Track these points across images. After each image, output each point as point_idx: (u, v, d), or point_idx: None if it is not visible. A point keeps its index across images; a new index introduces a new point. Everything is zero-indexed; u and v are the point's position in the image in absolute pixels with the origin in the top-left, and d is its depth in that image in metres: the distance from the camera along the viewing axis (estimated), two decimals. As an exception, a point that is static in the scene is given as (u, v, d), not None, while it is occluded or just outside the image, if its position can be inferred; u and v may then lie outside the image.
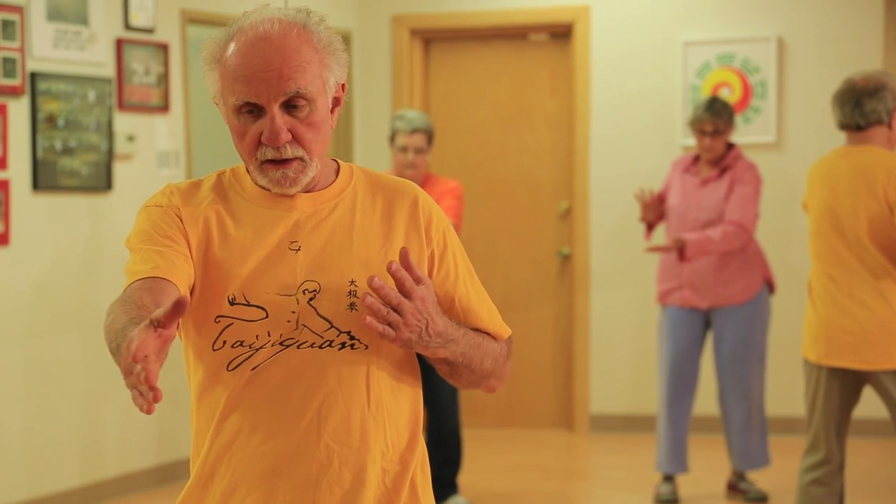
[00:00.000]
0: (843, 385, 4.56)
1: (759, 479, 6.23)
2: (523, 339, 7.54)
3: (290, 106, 2.11)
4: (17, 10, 5.66)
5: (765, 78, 7.38)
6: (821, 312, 4.56)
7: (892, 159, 4.49)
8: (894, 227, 4.41)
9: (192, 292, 2.14)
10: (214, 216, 2.17)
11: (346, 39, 7.62)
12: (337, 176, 2.24)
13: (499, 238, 7.84)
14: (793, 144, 7.37)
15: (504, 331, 2.30)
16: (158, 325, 1.79)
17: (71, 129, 5.94)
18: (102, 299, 6.04)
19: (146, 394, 1.77)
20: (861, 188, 4.46)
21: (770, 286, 6.03)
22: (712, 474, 6.39)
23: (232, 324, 2.12)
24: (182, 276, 2.08)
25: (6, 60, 5.62)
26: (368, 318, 2.03)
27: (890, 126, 4.54)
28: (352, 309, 2.12)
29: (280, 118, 2.10)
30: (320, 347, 2.12)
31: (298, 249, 2.15)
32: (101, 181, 6.12)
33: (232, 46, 2.12)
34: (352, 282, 2.13)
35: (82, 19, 5.97)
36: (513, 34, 7.82)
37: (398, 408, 2.19)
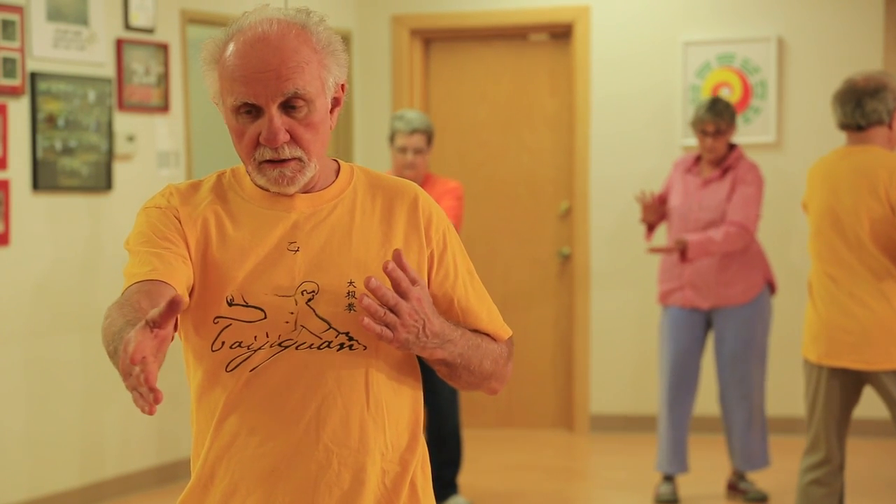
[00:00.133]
0: (844, 385, 4.56)
1: (759, 479, 6.23)
2: (523, 339, 7.54)
3: (288, 106, 2.11)
4: (17, 10, 5.66)
5: (765, 78, 7.38)
6: (821, 312, 4.56)
7: (894, 160, 4.49)
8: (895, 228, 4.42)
9: (191, 294, 2.14)
10: (213, 217, 2.17)
11: (346, 39, 7.62)
12: (337, 176, 2.23)
13: (499, 238, 7.84)
14: (793, 144, 7.37)
15: (504, 332, 2.29)
16: (154, 325, 1.79)
17: (71, 129, 5.94)
18: (102, 299, 6.04)
19: (146, 395, 1.77)
20: (863, 189, 4.46)
21: (771, 287, 6.03)
22: (712, 474, 6.39)
23: (230, 325, 2.12)
24: (180, 279, 2.08)
25: (6, 60, 5.62)
26: (366, 320, 2.03)
27: (890, 126, 4.54)
28: (350, 310, 2.12)
29: (278, 119, 2.10)
30: (319, 348, 2.12)
31: (297, 250, 2.15)
32: (101, 181, 6.12)
33: (231, 47, 2.12)
34: (350, 282, 2.13)
35: (82, 19, 5.97)
36: (513, 34, 7.82)
37: (398, 408, 2.19)
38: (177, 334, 2.13)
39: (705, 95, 7.35)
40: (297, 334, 2.12)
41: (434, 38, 7.93)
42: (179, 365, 2.23)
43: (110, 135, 6.14)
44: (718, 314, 5.96)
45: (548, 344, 7.80)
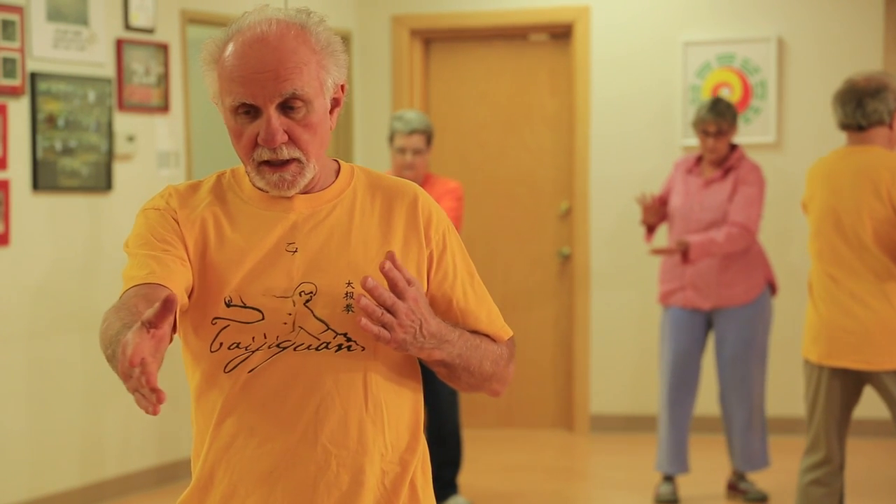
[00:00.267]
0: (845, 385, 4.56)
1: (759, 479, 6.23)
2: (523, 339, 7.54)
3: (286, 107, 2.10)
4: (17, 10, 5.66)
5: (765, 78, 7.38)
6: (822, 312, 4.56)
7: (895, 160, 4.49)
8: (897, 229, 4.42)
9: (190, 295, 2.13)
10: (211, 218, 2.17)
11: (346, 39, 7.62)
12: (337, 177, 2.23)
13: (499, 238, 7.84)
14: (793, 144, 7.37)
15: (504, 332, 2.29)
16: (150, 325, 1.79)
17: (71, 130, 5.94)
18: (103, 300, 6.04)
19: (149, 396, 1.77)
20: (865, 189, 4.46)
21: (772, 287, 6.03)
22: (712, 474, 6.39)
23: (228, 325, 2.12)
24: (178, 281, 2.08)
25: (6, 60, 5.62)
26: (363, 321, 2.02)
27: (891, 126, 4.54)
28: (348, 310, 2.11)
29: (276, 119, 2.10)
30: (317, 349, 2.12)
31: (295, 251, 2.15)
32: (101, 181, 6.12)
33: (230, 47, 2.12)
34: (348, 283, 2.12)
35: (82, 19, 5.98)
36: (513, 34, 7.82)
37: (398, 409, 2.19)
38: (176, 335, 2.13)
39: (705, 95, 7.35)
40: (295, 335, 2.12)
41: (434, 38, 7.93)
42: (179, 365, 2.23)
43: (110, 135, 6.14)
44: (719, 315, 5.96)
45: (548, 344, 7.80)
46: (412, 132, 5.77)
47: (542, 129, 7.82)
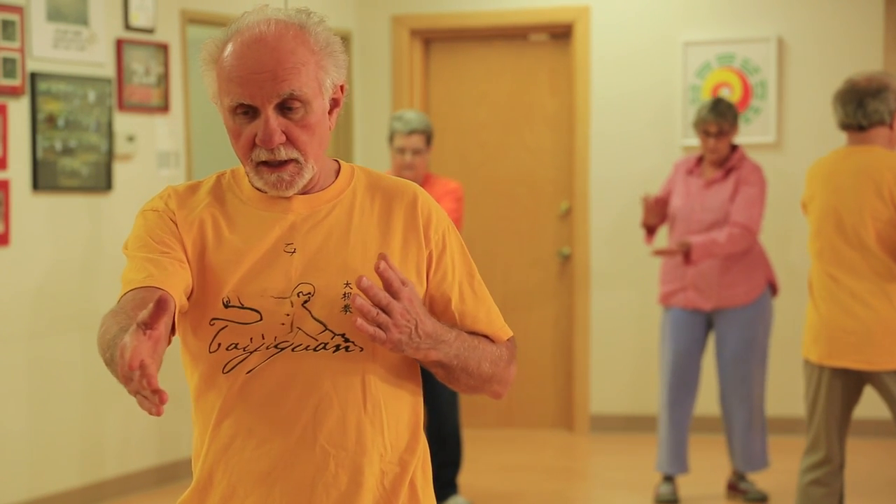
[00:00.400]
0: (845, 385, 4.55)
1: (759, 479, 6.23)
2: (523, 339, 7.54)
3: (284, 108, 2.10)
4: (17, 10, 5.66)
5: (765, 78, 7.38)
6: (822, 312, 4.55)
7: None
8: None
9: (189, 297, 2.13)
10: (210, 219, 2.17)
11: (346, 40, 7.62)
12: (337, 177, 2.23)
13: (499, 238, 7.84)
14: (793, 144, 7.37)
15: (503, 333, 2.27)
16: (146, 326, 1.79)
17: (71, 130, 5.94)
18: (103, 300, 6.04)
19: (151, 397, 1.77)
20: (867, 190, 4.46)
21: (773, 288, 6.03)
22: (712, 474, 6.39)
23: (226, 326, 2.12)
24: (177, 284, 2.07)
25: (6, 60, 5.62)
26: (359, 321, 2.01)
27: (891, 126, 4.54)
28: (346, 311, 2.11)
29: (274, 120, 2.09)
30: (315, 350, 2.11)
31: (294, 252, 2.14)
32: (101, 181, 6.12)
33: (229, 47, 2.12)
34: (346, 284, 2.12)
35: (82, 19, 5.97)
36: (513, 34, 7.82)
37: (397, 409, 2.18)
38: (177, 336, 2.13)
39: (705, 96, 7.36)
40: (293, 336, 2.11)
41: (434, 38, 7.93)
42: (179, 364, 2.23)
43: (110, 135, 6.14)
44: (720, 315, 5.95)
45: (548, 344, 7.80)
46: (412, 132, 5.77)
47: (542, 129, 7.82)
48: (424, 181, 5.78)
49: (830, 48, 7.32)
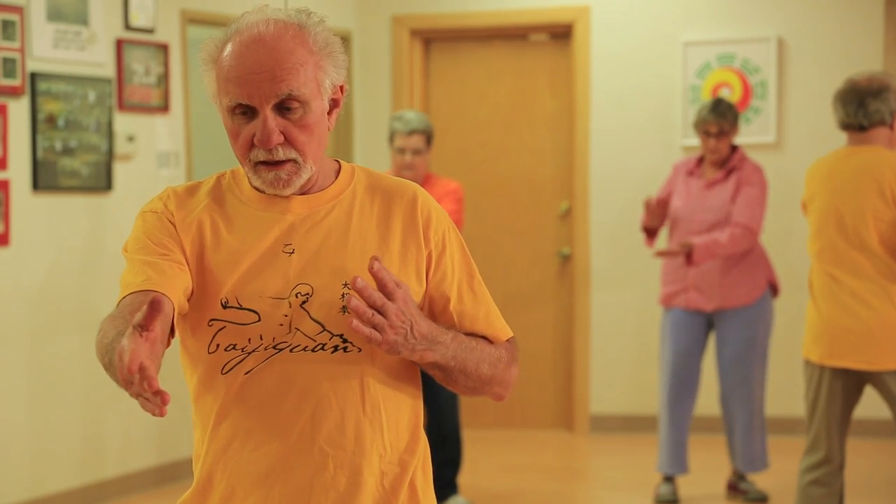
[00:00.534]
0: (846, 385, 4.55)
1: (759, 479, 6.23)
2: (523, 339, 7.54)
3: (283, 108, 2.09)
4: (17, 10, 5.66)
5: (765, 78, 7.38)
6: (823, 312, 4.55)
7: None
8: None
9: (190, 298, 2.13)
10: (208, 220, 2.17)
11: (346, 40, 7.62)
12: (337, 177, 2.22)
13: (499, 238, 7.84)
14: (793, 144, 7.37)
15: (503, 333, 2.26)
16: (142, 328, 1.79)
17: (71, 130, 5.94)
18: (103, 299, 6.04)
19: (153, 399, 1.77)
20: (869, 190, 4.45)
21: (774, 288, 6.03)
22: (712, 474, 6.39)
23: (224, 327, 2.12)
24: (175, 287, 2.07)
25: (6, 60, 5.62)
26: (355, 322, 2.01)
27: (892, 127, 4.54)
28: (344, 312, 2.10)
29: (272, 120, 2.09)
30: (313, 351, 2.11)
31: (292, 252, 2.14)
32: (101, 181, 6.12)
33: (228, 47, 2.11)
34: (345, 285, 2.11)
35: (82, 19, 5.97)
36: (513, 34, 7.82)
37: (397, 409, 2.18)
38: (176, 338, 2.13)
39: (705, 96, 7.36)
40: (291, 337, 2.11)
41: (434, 39, 7.93)
42: (179, 365, 2.23)
43: (110, 135, 6.14)
44: (720, 316, 5.95)
45: (548, 344, 7.80)
46: (412, 132, 5.77)
47: (542, 128, 7.82)
48: (425, 181, 5.78)
49: (830, 48, 7.32)
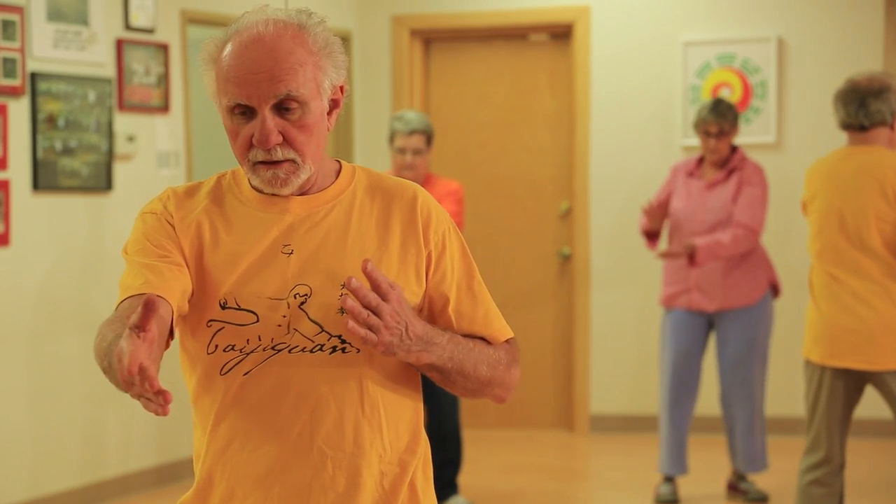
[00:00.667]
0: (847, 385, 4.55)
1: (759, 479, 6.23)
2: (523, 339, 7.54)
3: (281, 108, 2.09)
4: (18, 10, 5.66)
5: (765, 78, 7.38)
6: (824, 312, 4.55)
7: None
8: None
9: (191, 299, 2.13)
10: (207, 221, 2.17)
11: (346, 40, 7.62)
12: (337, 178, 2.22)
13: (499, 238, 7.84)
14: (793, 144, 7.37)
15: (501, 334, 2.25)
16: (138, 329, 1.79)
17: (71, 130, 5.94)
18: (103, 300, 6.04)
19: (155, 399, 1.78)
20: (871, 190, 4.45)
21: (775, 289, 6.03)
22: (712, 474, 6.39)
23: (223, 328, 2.12)
24: (174, 289, 2.07)
25: (6, 60, 5.62)
26: (350, 324, 2.00)
27: (892, 127, 4.54)
28: (342, 313, 2.09)
29: (271, 120, 2.08)
30: (311, 352, 2.11)
31: (291, 253, 2.14)
32: (102, 181, 6.12)
33: (228, 47, 2.11)
34: (343, 286, 2.11)
35: (82, 19, 5.97)
36: (513, 34, 7.82)
37: (396, 410, 2.18)
38: (176, 339, 2.14)
39: (705, 96, 7.36)
40: (289, 338, 2.11)
41: (434, 39, 7.93)
42: (178, 365, 2.24)
43: (110, 135, 6.14)
44: (721, 316, 5.95)
45: (548, 344, 7.80)
46: (412, 132, 5.77)
47: (542, 129, 7.82)
48: (425, 181, 5.78)
49: (830, 48, 7.32)
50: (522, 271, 7.83)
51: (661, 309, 6.13)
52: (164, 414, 1.79)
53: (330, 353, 2.11)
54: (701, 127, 5.96)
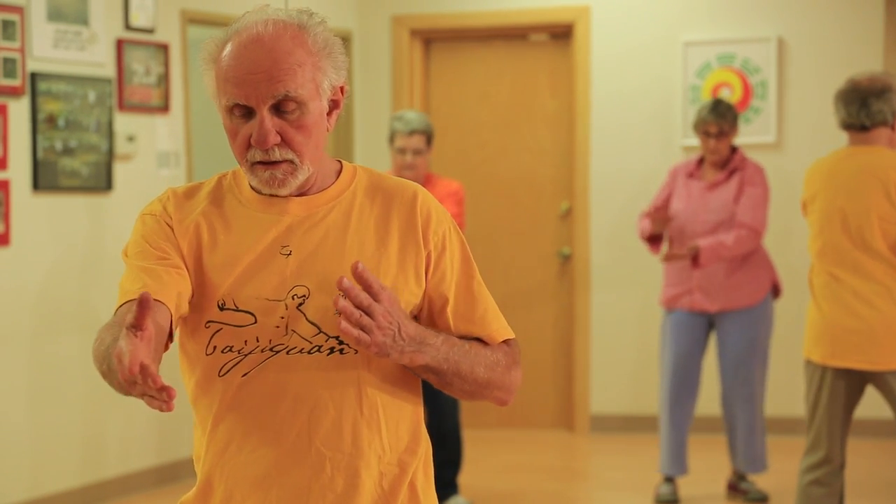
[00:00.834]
0: (848, 385, 4.55)
1: (759, 479, 6.23)
2: (523, 339, 7.53)
3: (280, 109, 2.09)
4: (18, 10, 5.66)
5: (765, 78, 7.38)
6: (825, 313, 4.55)
7: None
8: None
9: (191, 301, 2.13)
10: (206, 222, 2.16)
11: (347, 40, 7.62)
12: (338, 178, 2.21)
13: (499, 238, 7.84)
14: (793, 144, 7.37)
15: (498, 334, 2.23)
16: (135, 328, 1.79)
17: (71, 130, 5.94)
18: (103, 299, 6.04)
19: (159, 396, 1.78)
20: (874, 191, 4.45)
21: (776, 289, 6.02)
22: (712, 474, 6.39)
23: (221, 329, 2.12)
24: (173, 292, 2.07)
25: (6, 60, 5.62)
26: (343, 324, 1.99)
27: (893, 127, 4.54)
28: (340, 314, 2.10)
29: (269, 121, 2.08)
30: (309, 353, 2.10)
31: (290, 254, 2.13)
32: (102, 181, 6.12)
33: (228, 47, 2.11)
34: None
35: (82, 19, 5.97)
36: (513, 34, 7.82)
37: (396, 410, 2.17)
38: (176, 340, 2.13)
39: (705, 96, 7.35)
40: (287, 339, 2.10)
41: (434, 39, 7.93)
42: (177, 365, 2.24)
43: (110, 135, 6.14)
44: (722, 317, 5.94)
45: (548, 344, 7.80)
46: (413, 132, 5.76)
47: (542, 128, 7.82)
48: (425, 181, 5.77)
49: (830, 48, 7.32)
50: (522, 271, 7.83)
51: (661, 309, 6.13)
52: (170, 409, 1.79)
53: (328, 355, 2.11)
54: (701, 127, 5.96)
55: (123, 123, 6.23)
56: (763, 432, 5.99)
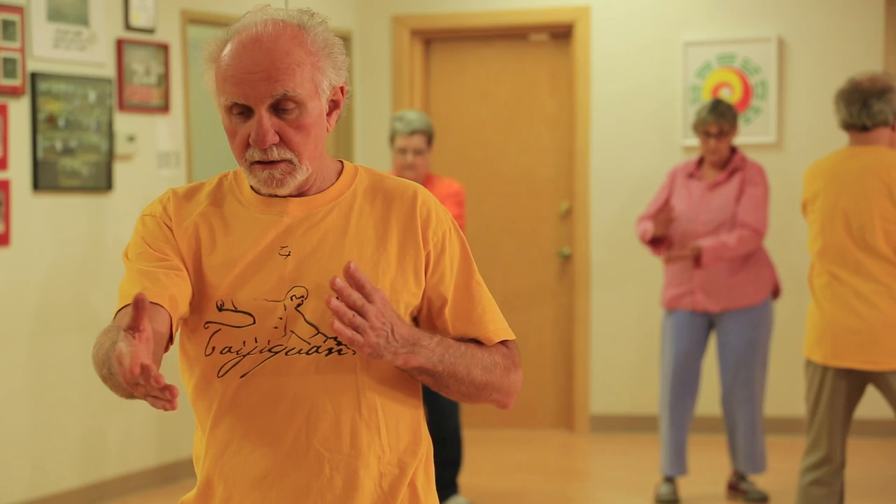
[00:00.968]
0: (849, 385, 4.55)
1: (759, 479, 6.23)
2: (523, 339, 7.54)
3: (278, 108, 2.09)
4: (18, 10, 5.66)
5: (765, 78, 7.38)
6: (826, 313, 4.54)
7: None
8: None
9: (191, 302, 2.13)
10: (205, 223, 2.16)
11: (347, 40, 7.62)
12: (338, 178, 2.21)
13: (499, 238, 7.84)
14: (793, 144, 7.37)
15: (495, 335, 2.22)
16: (133, 330, 1.80)
17: (71, 130, 5.94)
18: (103, 300, 6.04)
19: (162, 395, 1.78)
20: (877, 191, 4.45)
21: (775, 290, 6.02)
22: (712, 474, 6.39)
23: (220, 329, 2.12)
24: (171, 295, 2.07)
25: (6, 61, 5.62)
26: (336, 325, 1.98)
27: (894, 128, 4.54)
28: None
29: (267, 120, 2.08)
30: (307, 354, 2.10)
31: (288, 255, 2.13)
32: (102, 181, 6.12)
33: (228, 47, 2.11)
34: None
35: (82, 19, 5.97)
36: (513, 34, 7.82)
37: (395, 410, 2.17)
38: (176, 342, 2.13)
39: (706, 96, 7.36)
40: (286, 339, 2.10)
41: (434, 38, 7.93)
42: (177, 367, 2.24)
43: (111, 135, 6.14)
44: (723, 317, 5.94)
45: (548, 344, 7.80)
46: (413, 132, 5.76)
47: (542, 128, 7.82)
48: (426, 181, 5.77)
49: (830, 48, 7.32)
50: (522, 271, 7.83)
51: (661, 308, 6.13)
52: (173, 408, 1.79)
53: (326, 355, 2.11)
54: (700, 128, 5.96)
55: (123, 123, 6.23)
56: (763, 432, 5.99)
